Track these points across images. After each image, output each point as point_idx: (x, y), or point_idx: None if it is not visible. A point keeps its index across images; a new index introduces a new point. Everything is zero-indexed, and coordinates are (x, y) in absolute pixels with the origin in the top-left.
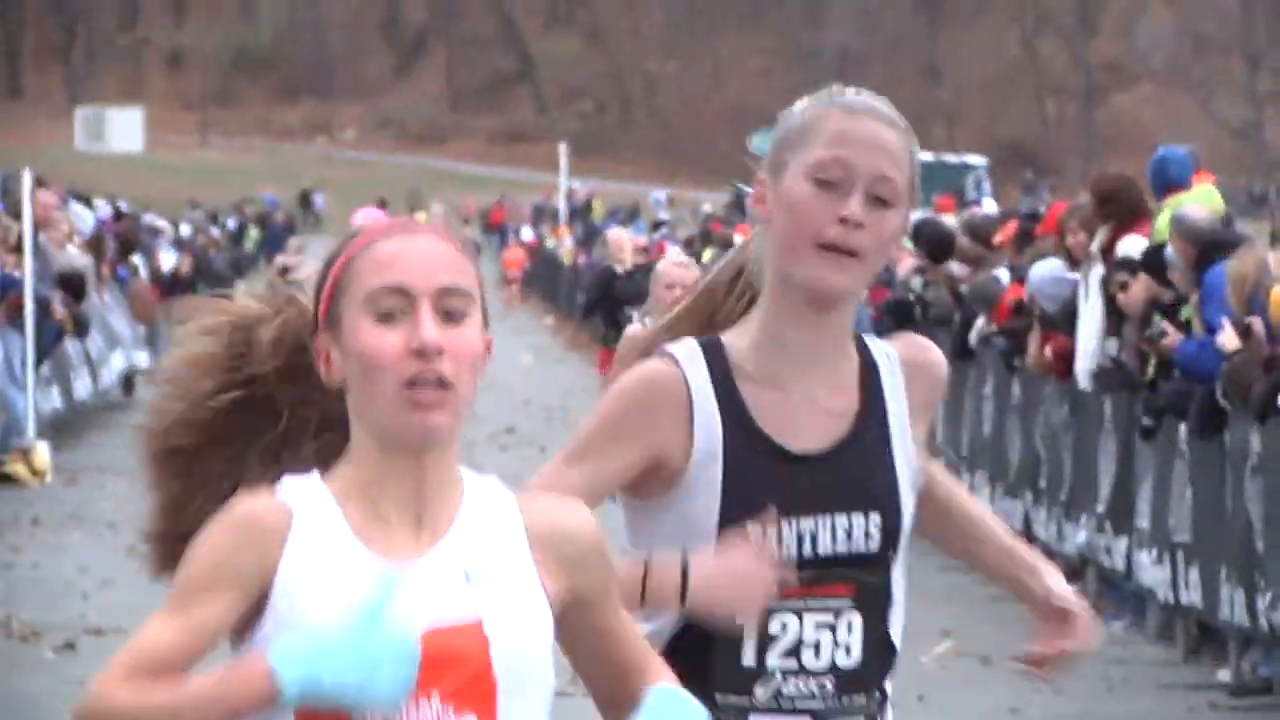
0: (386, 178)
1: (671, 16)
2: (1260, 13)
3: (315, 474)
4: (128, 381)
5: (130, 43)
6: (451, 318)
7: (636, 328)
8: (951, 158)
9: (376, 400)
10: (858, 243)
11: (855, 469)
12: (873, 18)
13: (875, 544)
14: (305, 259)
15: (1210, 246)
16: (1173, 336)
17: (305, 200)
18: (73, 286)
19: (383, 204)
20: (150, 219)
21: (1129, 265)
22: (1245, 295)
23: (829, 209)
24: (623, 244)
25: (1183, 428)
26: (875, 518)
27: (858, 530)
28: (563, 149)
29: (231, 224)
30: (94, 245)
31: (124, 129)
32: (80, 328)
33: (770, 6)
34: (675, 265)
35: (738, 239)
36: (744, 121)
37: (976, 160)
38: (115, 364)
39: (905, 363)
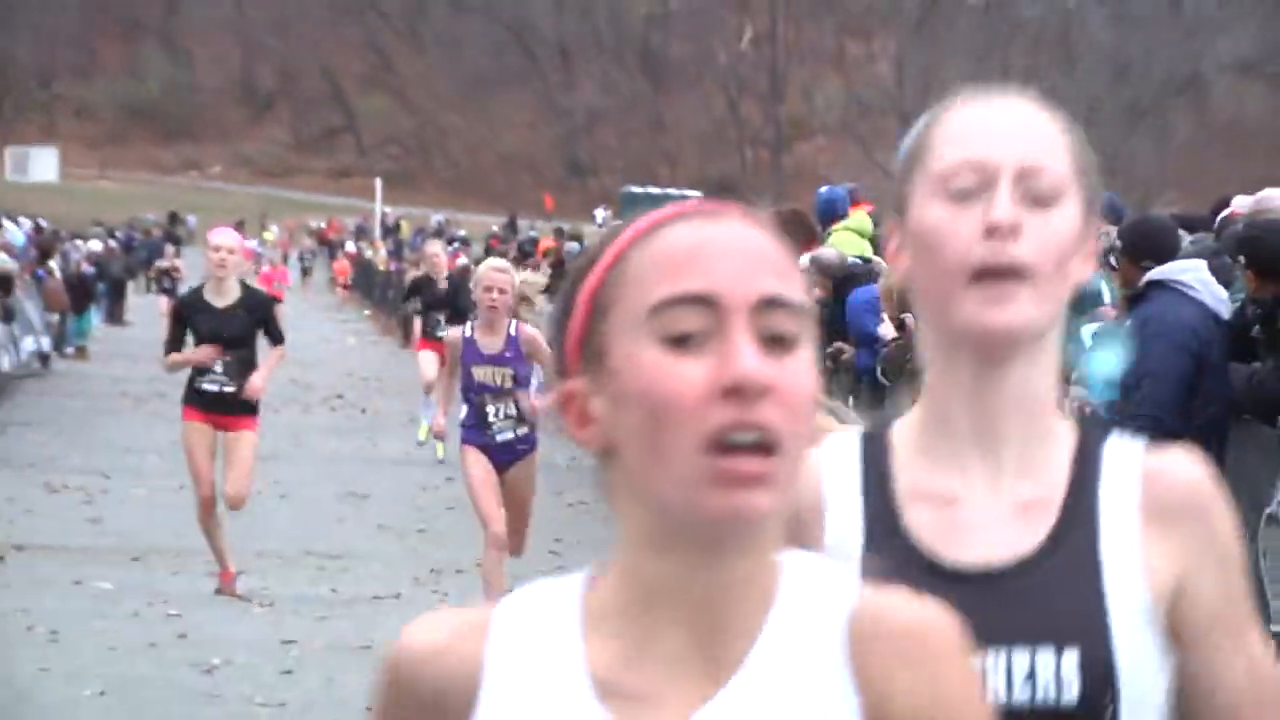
0: (243, 204)
1: (459, 82)
2: (910, 83)
3: (575, 580)
4: (44, 358)
5: (47, 98)
6: (777, 344)
7: (455, 332)
8: (674, 191)
9: (663, 466)
10: (1018, 256)
11: (1043, 590)
12: (612, 81)
13: (1073, 691)
14: (180, 262)
15: (843, 280)
16: (848, 351)
17: (173, 220)
18: (2, 284)
19: (240, 224)
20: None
21: None
22: (895, 302)
23: (970, 225)
24: (438, 258)
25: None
26: (1072, 655)
27: (1045, 671)
28: (379, 183)
29: (125, 237)
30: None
31: (43, 164)
32: (8, 315)
33: (534, 74)
34: (495, 270)
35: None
36: (515, 163)
37: (693, 194)
38: (27, 345)
39: (1153, 479)
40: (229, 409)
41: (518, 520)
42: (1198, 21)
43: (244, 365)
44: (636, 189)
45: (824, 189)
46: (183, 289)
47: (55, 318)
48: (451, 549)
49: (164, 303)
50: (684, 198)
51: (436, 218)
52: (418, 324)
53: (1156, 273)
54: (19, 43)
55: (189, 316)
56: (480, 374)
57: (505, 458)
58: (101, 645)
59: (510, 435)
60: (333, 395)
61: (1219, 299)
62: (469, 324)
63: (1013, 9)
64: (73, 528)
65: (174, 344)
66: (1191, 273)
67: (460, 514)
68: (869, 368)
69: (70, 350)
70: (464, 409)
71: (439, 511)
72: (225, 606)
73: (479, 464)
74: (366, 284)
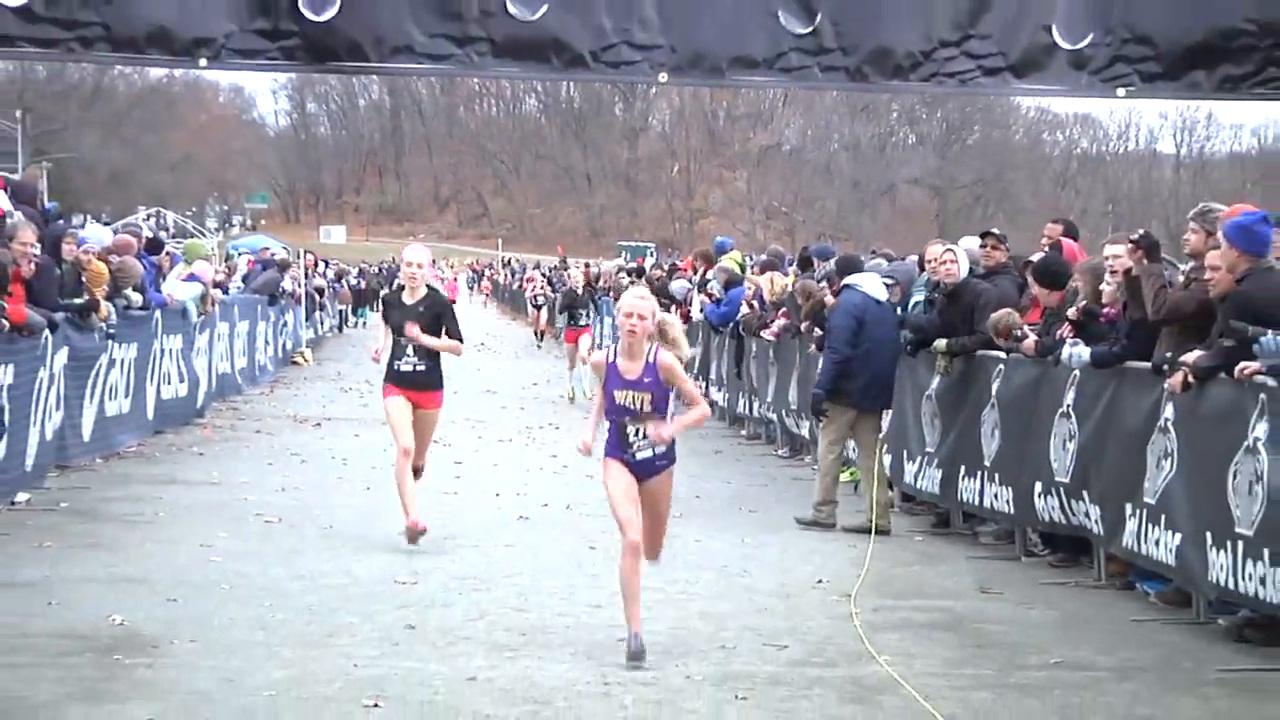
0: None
1: (536, 195)
2: (755, 193)
3: None
4: (339, 327)
5: (340, 202)
6: None
7: (600, 355)
8: (645, 244)
9: None
10: None
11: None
12: (607, 191)
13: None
14: None
15: (731, 281)
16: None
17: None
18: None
19: (432, 262)
20: None
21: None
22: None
23: None
24: (576, 277)
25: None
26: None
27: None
28: (500, 241)
29: (376, 271)
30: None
31: (337, 234)
32: (320, 307)
33: (572, 192)
34: (636, 298)
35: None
36: (563, 231)
37: (649, 244)
38: (331, 320)
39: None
40: (421, 385)
41: (655, 528)
42: (895, 154)
43: (429, 350)
44: (625, 243)
45: (717, 239)
46: None
47: (345, 307)
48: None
49: None
50: (645, 248)
51: (537, 259)
52: (561, 319)
53: (846, 280)
54: (326, 172)
55: (387, 309)
56: (621, 398)
57: (645, 471)
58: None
59: (649, 454)
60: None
61: (873, 293)
62: (612, 348)
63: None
64: (354, 410)
65: (381, 326)
66: (861, 280)
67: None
68: (722, 321)
69: (356, 323)
70: (607, 426)
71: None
72: None
73: (619, 474)
74: (497, 294)
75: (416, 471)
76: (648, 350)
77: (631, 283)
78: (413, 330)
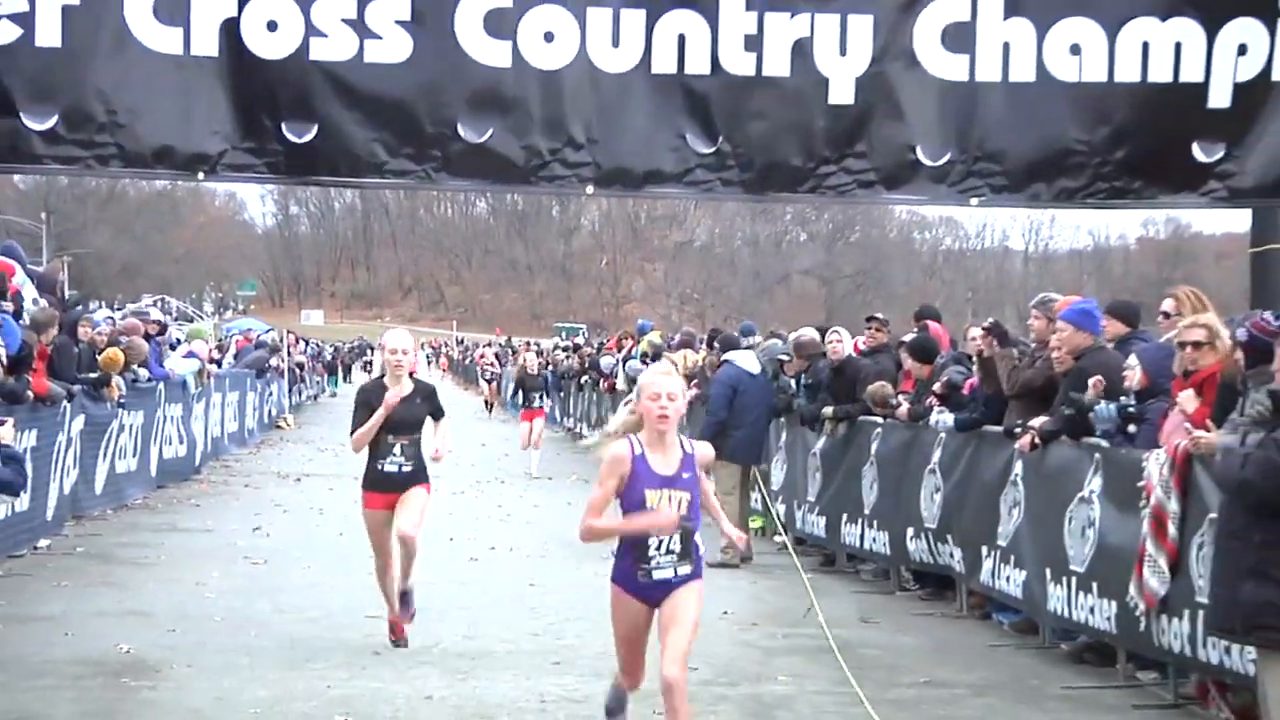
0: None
1: (486, 284)
2: (671, 283)
3: None
4: (315, 397)
5: (319, 291)
6: None
7: (623, 447)
8: (578, 325)
9: None
10: None
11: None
12: (546, 280)
13: None
14: (374, 359)
15: (656, 355)
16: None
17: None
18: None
19: None
20: None
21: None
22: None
23: None
24: (528, 359)
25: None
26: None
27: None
28: (455, 324)
29: (349, 348)
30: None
31: (316, 317)
32: (300, 379)
33: (520, 280)
34: (662, 375)
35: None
36: (508, 315)
37: (581, 325)
38: (309, 391)
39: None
40: (405, 485)
41: (676, 639)
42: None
43: (417, 448)
44: (561, 324)
45: (639, 321)
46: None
47: (322, 379)
48: None
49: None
50: (578, 329)
51: (490, 338)
52: (516, 399)
53: (726, 356)
54: (306, 264)
55: (370, 403)
56: (653, 500)
57: (663, 594)
58: None
59: (670, 574)
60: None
61: (747, 366)
62: (636, 441)
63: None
64: (330, 467)
65: (358, 426)
66: (738, 356)
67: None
68: None
69: (329, 393)
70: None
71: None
72: None
73: (629, 614)
74: (453, 368)
75: (405, 544)
76: (680, 439)
77: (647, 363)
78: (439, 455)
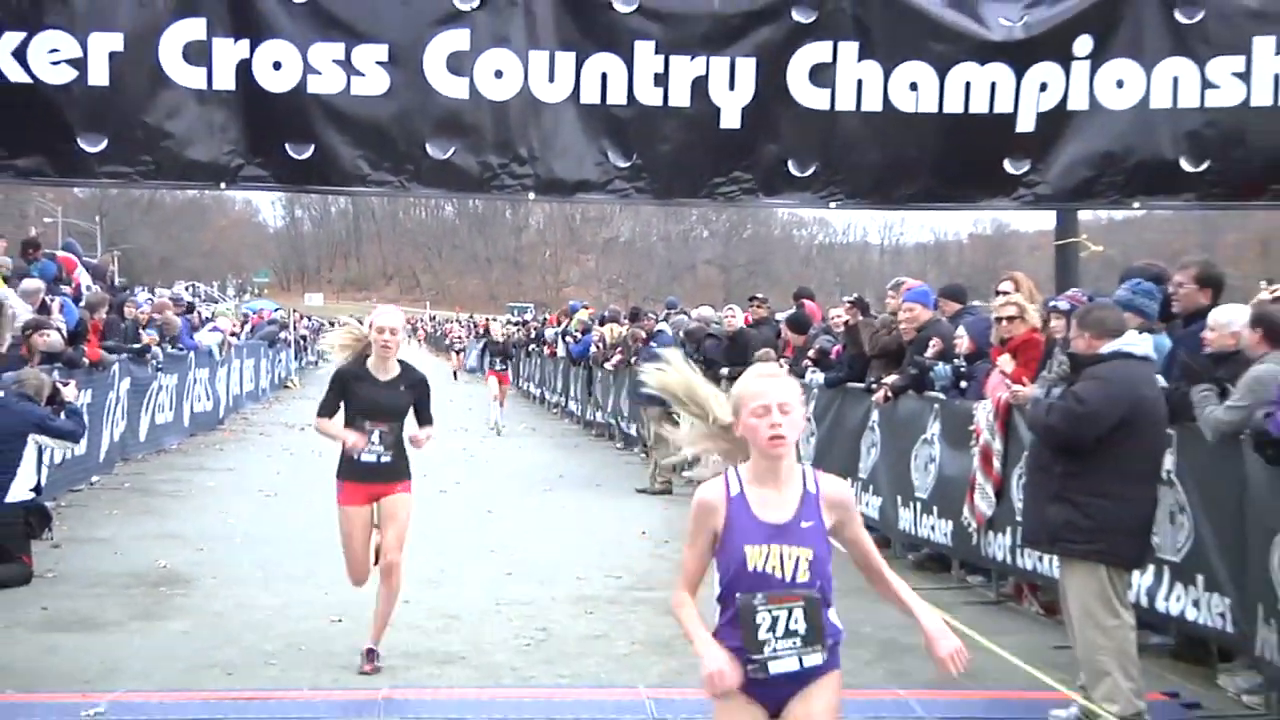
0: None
1: (461, 276)
2: (605, 271)
3: None
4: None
5: (319, 278)
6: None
7: (715, 487)
8: (527, 305)
9: None
10: None
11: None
12: (503, 271)
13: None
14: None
15: (585, 330)
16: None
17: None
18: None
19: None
20: None
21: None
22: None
23: None
24: (496, 327)
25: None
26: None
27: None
28: (428, 303)
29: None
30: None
31: (317, 299)
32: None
33: (487, 270)
34: (766, 377)
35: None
36: (474, 297)
37: (528, 305)
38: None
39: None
40: (386, 478)
41: None
42: (695, 243)
43: (398, 437)
44: (513, 304)
45: (570, 302)
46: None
47: (320, 349)
48: None
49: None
50: (526, 307)
51: (455, 315)
52: (486, 360)
53: (658, 327)
54: (308, 256)
55: (344, 385)
56: (756, 558)
57: (787, 694)
58: None
59: (793, 663)
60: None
61: (669, 334)
62: (733, 472)
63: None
64: None
65: (327, 408)
66: (664, 327)
67: None
68: (579, 355)
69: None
70: (716, 611)
71: None
72: None
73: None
74: (428, 340)
75: (387, 576)
76: (800, 470)
77: (575, 337)
78: (420, 440)
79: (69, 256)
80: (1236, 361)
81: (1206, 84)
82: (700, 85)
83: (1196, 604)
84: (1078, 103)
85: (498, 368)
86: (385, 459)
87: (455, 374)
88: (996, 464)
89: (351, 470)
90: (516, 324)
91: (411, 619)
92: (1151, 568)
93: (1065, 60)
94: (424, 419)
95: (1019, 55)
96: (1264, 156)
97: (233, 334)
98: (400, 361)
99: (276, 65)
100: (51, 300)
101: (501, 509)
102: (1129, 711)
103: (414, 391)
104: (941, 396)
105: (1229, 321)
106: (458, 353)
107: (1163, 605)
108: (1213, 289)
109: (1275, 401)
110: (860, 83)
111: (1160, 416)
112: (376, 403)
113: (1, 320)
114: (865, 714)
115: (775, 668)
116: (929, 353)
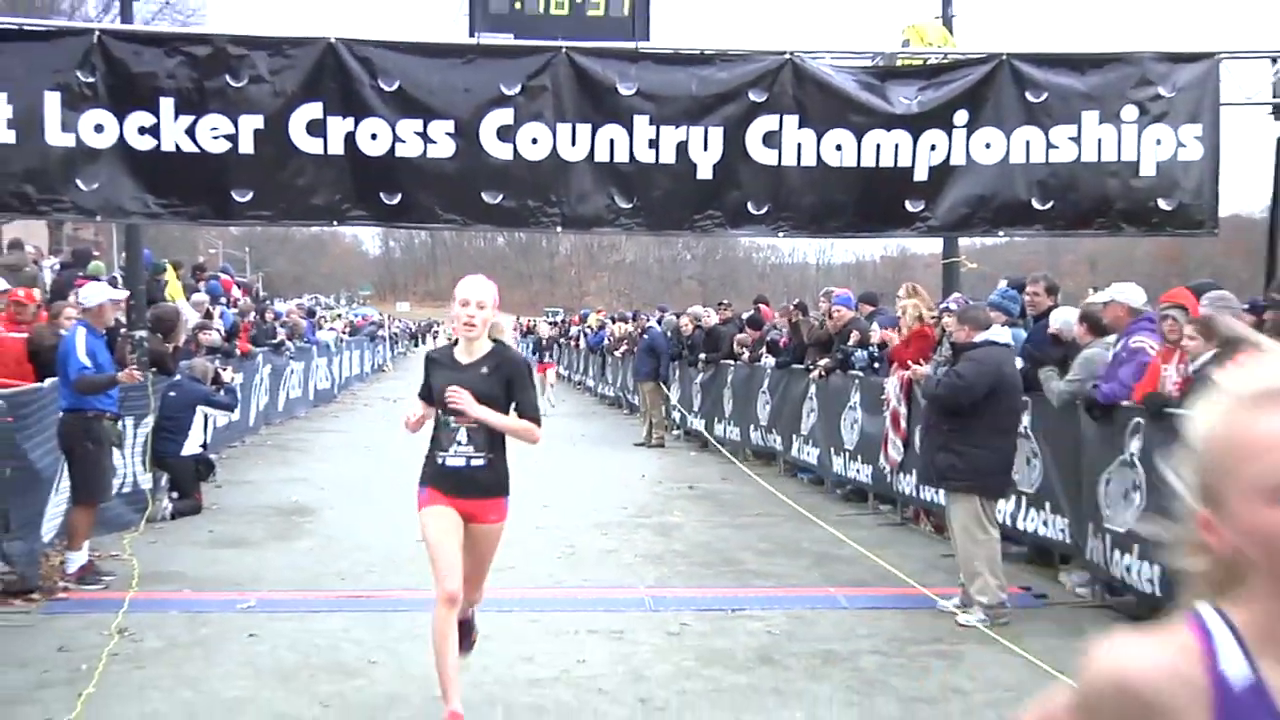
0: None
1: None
2: (618, 284)
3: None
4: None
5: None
6: None
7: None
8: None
9: None
10: None
11: None
12: (534, 283)
13: None
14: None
15: (601, 326)
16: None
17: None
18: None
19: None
20: None
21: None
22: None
23: None
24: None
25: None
26: None
27: None
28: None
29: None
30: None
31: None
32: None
33: (524, 280)
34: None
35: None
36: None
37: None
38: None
39: None
40: (477, 489)
41: None
42: (681, 263)
43: (491, 436)
44: (549, 308)
45: (583, 309)
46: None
47: (407, 343)
48: None
49: None
50: (558, 310)
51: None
52: (535, 356)
53: (649, 325)
54: (398, 274)
55: (430, 372)
56: None
57: None
58: None
59: None
60: None
61: (660, 329)
62: (1209, 613)
63: (640, 263)
64: (412, 393)
65: (421, 394)
66: (654, 324)
67: None
68: (595, 345)
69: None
70: None
71: None
72: None
73: None
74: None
75: (463, 626)
76: None
77: (589, 330)
78: (456, 397)
79: (226, 277)
80: (1071, 347)
81: (1049, 145)
82: (683, 147)
83: (1045, 523)
84: (957, 159)
85: (545, 360)
86: (477, 462)
87: None
88: (902, 424)
89: (435, 475)
90: (552, 324)
91: None
92: (1013, 497)
93: (948, 128)
94: (522, 410)
95: (915, 125)
96: (1091, 199)
97: (344, 332)
98: (494, 341)
99: (373, 136)
100: (214, 308)
101: (539, 460)
102: (994, 601)
103: (501, 374)
104: (861, 374)
105: (1065, 319)
106: None
107: (1020, 524)
108: (1055, 295)
109: (1100, 377)
110: (799, 145)
111: (1018, 387)
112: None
113: (179, 324)
114: (804, 605)
115: None
116: (851, 342)
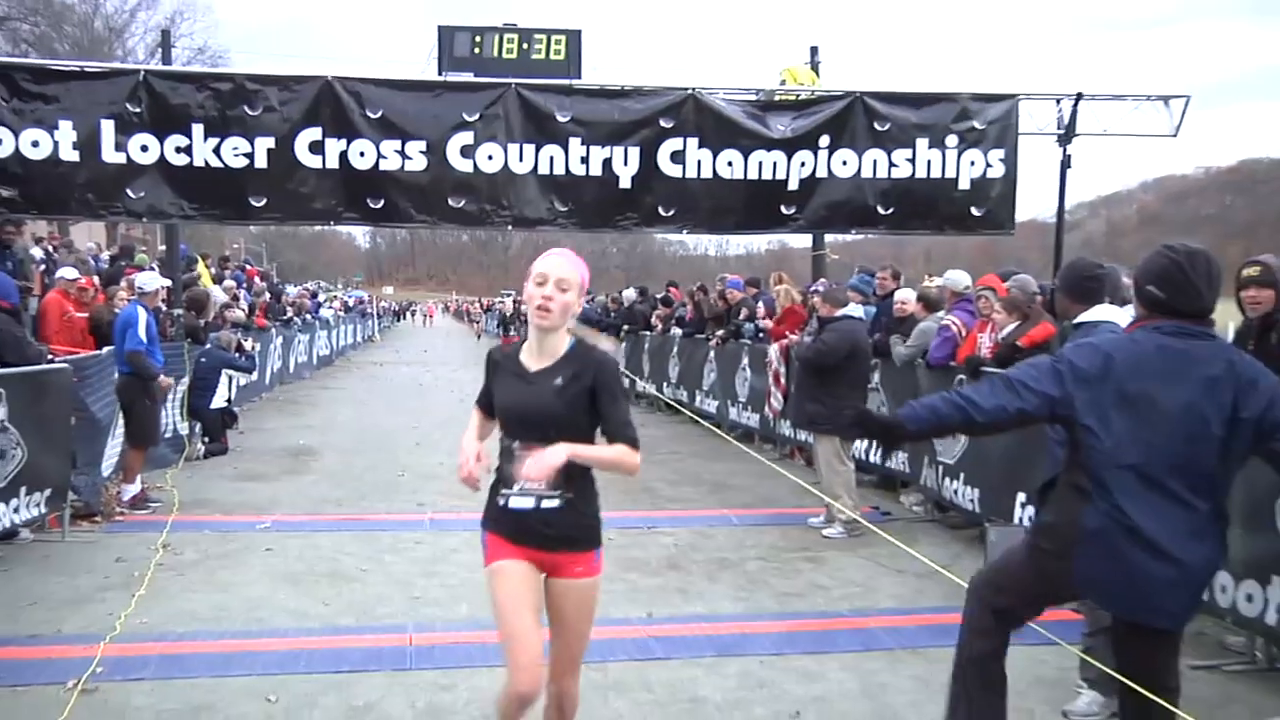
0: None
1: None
2: (611, 272)
3: None
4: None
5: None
6: None
7: None
8: None
9: None
10: None
11: None
12: (511, 262)
13: None
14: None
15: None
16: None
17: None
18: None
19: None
20: None
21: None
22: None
23: None
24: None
25: None
26: None
27: None
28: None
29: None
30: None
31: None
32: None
33: (495, 263)
34: None
35: None
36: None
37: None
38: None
39: None
40: (554, 539)
41: None
42: (609, 256)
43: (570, 465)
44: (504, 291)
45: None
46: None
47: (390, 319)
48: None
49: None
50: (511, 292)
51: (473, 299)
52: (498, 330)
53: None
54: (384, 263)
55: (491, 374)
56: None
57: None
58: None
59: None
60: None
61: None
62: None
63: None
64: (395, 359)
65: (480, 402)
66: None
67: None
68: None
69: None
70: None
71: None
72: None
73: None
74: (456, 315)
75: (557, 704)
76: None
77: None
78: (528, 472)
79: (251, 268)
80: (910, 320)
81: (891, 164)
82: (607, 163)
83: (892, 456)
84: (821, 173)
85: (508, 334)
86: (548, 504)
87: (479, 336)
88: (782, 380)
89: (499, 520)
90: (514, 300)
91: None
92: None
93: (814, 149)
94: (611, 430)
95: (789, 146)
96: (922, 206)
97: (341, 310)
98: (574, 337)
99: (362, 154)
100: (238, 291)
101: None
102: (850, 518)
103: (582, 384)
104: (749, 342)
105: (906, 298)
106: (475, 322)
107: (871, 458)
108: (898, 280)
109: (933, 345)
110: (700, 161)
111: (869, 352)
112: (522, 406)
113: (208, 304)
114: (704, 524)
115: None
116: (740, 317)
